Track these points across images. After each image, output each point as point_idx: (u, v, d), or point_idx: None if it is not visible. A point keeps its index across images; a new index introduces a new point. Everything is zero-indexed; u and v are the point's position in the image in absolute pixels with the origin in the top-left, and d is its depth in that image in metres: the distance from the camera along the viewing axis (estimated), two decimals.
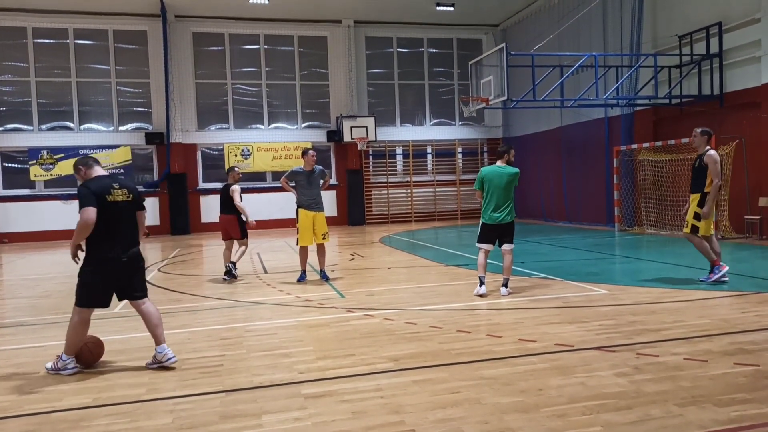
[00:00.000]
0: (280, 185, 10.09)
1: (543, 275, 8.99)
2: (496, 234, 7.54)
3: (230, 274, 9.59)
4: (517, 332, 5.61)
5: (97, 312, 5.65)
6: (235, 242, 9.88)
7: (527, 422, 3.51)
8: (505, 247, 7.60)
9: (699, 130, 8.03)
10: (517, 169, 7.59)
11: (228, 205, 9.71)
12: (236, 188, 9.66)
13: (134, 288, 5.02)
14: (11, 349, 5.78)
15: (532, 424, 3.49)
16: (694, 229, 7.81)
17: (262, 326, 6.27)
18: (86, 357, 4.96)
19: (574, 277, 8.66)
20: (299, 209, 9.11)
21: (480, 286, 7.53)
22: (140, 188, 21.42)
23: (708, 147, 7.87)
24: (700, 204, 7.75)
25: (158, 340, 4.95)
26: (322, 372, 4.63)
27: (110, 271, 4.85)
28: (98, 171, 5.00)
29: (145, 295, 5.09)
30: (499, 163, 7.62)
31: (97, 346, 5.09)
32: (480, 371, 4.48)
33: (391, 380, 4.36)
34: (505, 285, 7.55)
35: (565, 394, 3.95)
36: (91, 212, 4.67)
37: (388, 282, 9.00)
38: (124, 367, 4.95)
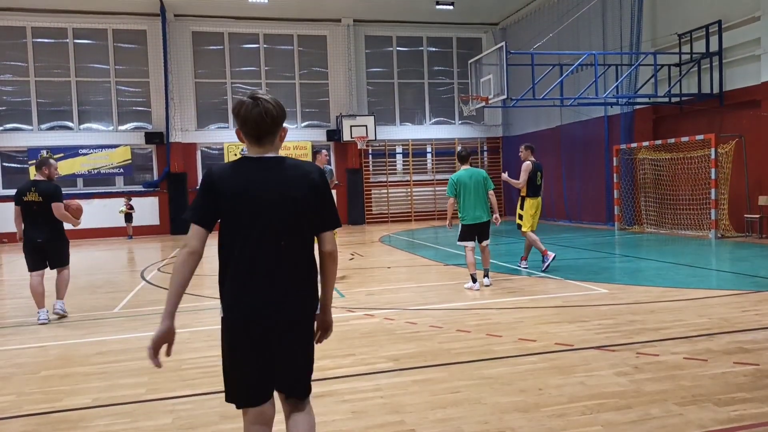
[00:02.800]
0: None
1: (543, 274, 8.98)
2: (475, 232, 8.08)
3: None
4: (517, 332, 5.61)
5: (98, 313, 7.29)
6: None
7: (527, 422, 3.51)
8: (484, 243, 8.20)
9: (524, 145, 9.86)
10: (483, 172, 8.22)
11: None
12: None
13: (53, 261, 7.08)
14: (11, 349, 5.78)
15: (532, 423, 3.49)
16: (518, 227, 9.57)
17: None
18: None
19: (574, 276, 8.66)
20: None
21: (474, 282, 7.95)
22: (140, 188, 21.48)
23: (530, 159, 9.57)
24: (521, 206, 9.51)
25: (59, 295, 7.10)
26: (322, 372, 4.63)
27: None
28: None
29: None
30: (464, 167, 8.17)
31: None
32: (480, 371, 4.48)
33: (391, 380, 4.36)
34: (486, 275, 8.20)
35: (565, 393, 3.95)
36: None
37: (387, 281, 9.00)
38: (125, 367, 4.95)
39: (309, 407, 2.59)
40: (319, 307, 2.58)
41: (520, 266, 9.62)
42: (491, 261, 8.65)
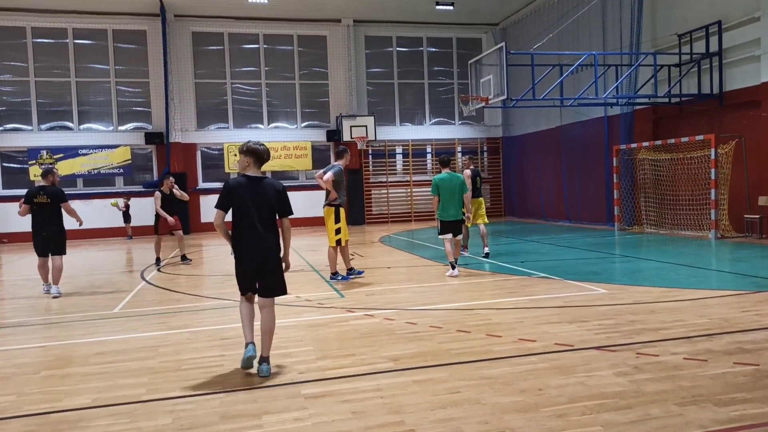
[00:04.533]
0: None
1: (543, 275, 8.98)
2: (451, 227, 9.27)
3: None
4: (517, 332, 5.61)
5: (98, 313, 7.44)
6: None
7: (527, 422, 3.51)
8: (457, 237, 9.44)
9: (466, 156, 11.40)
10: (461, 176, 9.41)
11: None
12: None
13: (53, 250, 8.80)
14: (11, 349, 5.78)
15: (532, 423, 3.49)
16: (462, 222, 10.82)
17: None
18: None
19: (574, 277, 8.66)
20: (340, 208, 8.93)
21: (453, 269, 9.12)
22: (140, 188, 21.49)
23: (471, 167, 11.19)
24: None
25: (54, 282, 8.84)
26: (322, 372, 4.63)
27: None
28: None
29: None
30: (446, 171, 9.30)
31: None
32: (480, 371, 4.48)
33: (391, 380, 4.37)
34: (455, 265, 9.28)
35: (565, 393, 3.95)
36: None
37: (387, 282, 9.00)
38: (124, 367, 4.95)
39: (272, 306, 4.79)
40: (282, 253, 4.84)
41: (463, 253, 11.21)
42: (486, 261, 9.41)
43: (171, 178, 12.51)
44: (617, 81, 15.22)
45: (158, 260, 12.18)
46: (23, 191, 20.86)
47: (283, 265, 4.81)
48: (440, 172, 9.42)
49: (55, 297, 8.60)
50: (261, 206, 4.64)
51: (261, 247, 4.63)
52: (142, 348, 5.54)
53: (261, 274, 4.68)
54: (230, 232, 4.73)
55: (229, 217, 4.66)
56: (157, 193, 12.03)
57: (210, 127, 22.46)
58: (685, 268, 9.15)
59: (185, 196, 12.41)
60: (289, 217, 4.80)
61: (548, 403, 3.80)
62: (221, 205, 4.67)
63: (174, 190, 12.17)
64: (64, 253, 8.90)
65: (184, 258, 12.36)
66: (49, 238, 8.74)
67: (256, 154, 4.71)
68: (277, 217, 4.77)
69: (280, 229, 4.78)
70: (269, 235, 4.67)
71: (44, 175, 8.91)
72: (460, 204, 9.27)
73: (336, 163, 9.09)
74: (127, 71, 21.62)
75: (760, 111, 12.89)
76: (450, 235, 9.31)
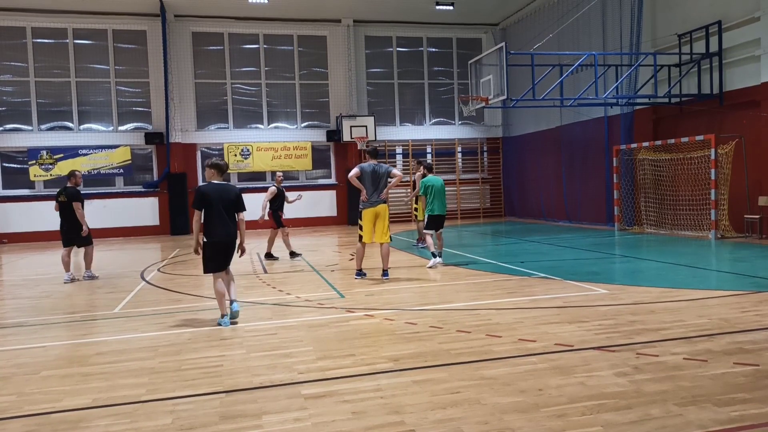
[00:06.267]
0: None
1: (543, 275, 8.98)
2: (437, 222, 10.67)
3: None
4: (517, 332, 5.62)
5: (98, 313, 7.59)
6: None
7: (527, 422, 3.51)
8: (440, 231, 10.82)
9: (419, 161, 12.37)
10: (441, 179, 10.99)
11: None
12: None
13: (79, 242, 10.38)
14: (12, 349, 5.78)
15: (532, 424, 3.49)
16: (415, 218, 12.79)
17: (262, 326, 6.28)
18: None
19: (574, 277, 8.66)
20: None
21: (435, 258, 10.25)
22: (140, 188, 21.48)
23: (424, 173, 11.45)
24: (417, 201, 13.05)
25: (86, 267, 10.48)
26: (322, 372, 4.63)
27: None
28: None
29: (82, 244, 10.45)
30: (430, 174, 11.02)
31: None
32: (480, 371, 4.49)
33: (391, 380, 4.37)
34: (440, 255, 10.55)
35: (565, 393, 3.95)
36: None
37: (387, 282, 9.00)
38: (125, 367, 4.96)
39: (231, 272, 6.68)
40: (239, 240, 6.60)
41: (417, 246, 13.40)
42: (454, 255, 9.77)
43: (279, 173, 12.90)
44: (617, 81, 15.22)
45: (270, 255, 12.24)
46: (23, 191, 21.36)
47: (240, 251, 6.58)
48: (425, 176, 11.05)
49: (92, 278, 10.31)
50: (225, 204, 6.41)
51: (227, 232, 6.43)
52: (142, 348, 5.55)
53: (227, 250, 6.51)
54: (202, 225, 6.41)
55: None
56: (272, 189, 12.23)
57: (210, 127, 22.45)
58: (685, 269, 9.15)
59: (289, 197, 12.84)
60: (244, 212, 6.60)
61: (548, 403, 3.80)
62: (198, 206, 6.37)
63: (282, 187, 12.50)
64: (89, 244, 10.40)
65: (293, 254, 12.37)
66: (70, 232, 10.13)
67: (219, 167, 6.59)
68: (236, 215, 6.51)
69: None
70: (231, 224, 6.47)
71: (68, 177, 10.36)
72: (445, 201, 10.79)
73: (380, 162, 9.51)
74: (127, 71, 21.60)
75: (760, 111, 12.88)
76: (433, 231, 10.67)
